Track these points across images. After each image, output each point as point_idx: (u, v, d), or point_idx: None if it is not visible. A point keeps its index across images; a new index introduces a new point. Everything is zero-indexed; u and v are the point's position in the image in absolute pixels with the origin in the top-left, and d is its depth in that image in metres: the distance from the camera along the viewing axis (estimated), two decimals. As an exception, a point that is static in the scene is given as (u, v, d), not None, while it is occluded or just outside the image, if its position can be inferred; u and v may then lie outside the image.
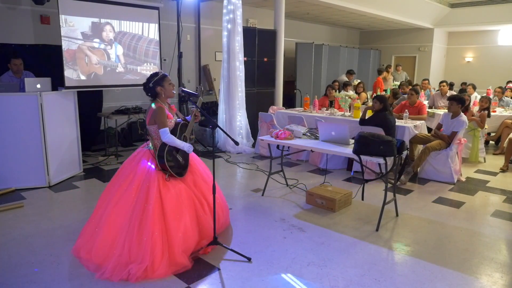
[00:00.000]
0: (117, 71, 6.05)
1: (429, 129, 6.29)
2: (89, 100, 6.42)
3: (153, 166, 3.08)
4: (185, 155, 3.22)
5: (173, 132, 3.14)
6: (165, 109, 3.12)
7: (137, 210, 2.93)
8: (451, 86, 8.38)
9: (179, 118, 3.37)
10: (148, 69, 6.29)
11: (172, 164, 3.08)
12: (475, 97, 8.08)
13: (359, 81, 8.84)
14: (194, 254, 3.10)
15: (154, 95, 3.15)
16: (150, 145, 3.19)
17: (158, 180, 3.02)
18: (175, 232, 2.93)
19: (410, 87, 7.64)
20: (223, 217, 3.53)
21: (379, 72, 10.77)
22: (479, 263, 3.13)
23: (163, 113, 3.08)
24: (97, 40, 5.75)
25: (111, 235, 2.92)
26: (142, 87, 3.22)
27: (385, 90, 10.07)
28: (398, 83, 10.39)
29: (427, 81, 9.91)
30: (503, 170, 5.90)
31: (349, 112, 6.34)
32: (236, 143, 3.19)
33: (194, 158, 3.46)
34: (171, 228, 2.93)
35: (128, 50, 6.12)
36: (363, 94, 8.11)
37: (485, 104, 6.62)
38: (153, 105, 3.10)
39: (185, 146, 3.12)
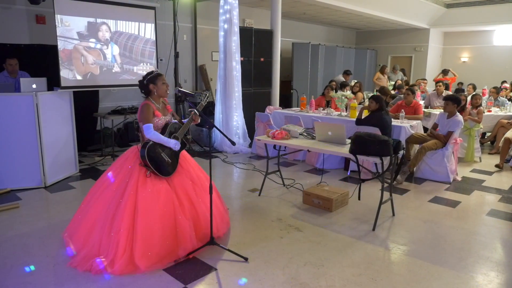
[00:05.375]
0: (113, 71, 6.03)
1: (425, 129, 6.32)
2: (85, 100, 6.40)
3: (138, 162, 3.10)
4: (173, 154, 3.18)
5: (161, 131, 3.15)
6: (151, 106, 3.11)
7: (112, 204, 2.99)
8: (446, 87, 8.43)
9: (174, 119, 3.34)
10: (144, 69, 6.28)
11: (154, 162, 3.04)
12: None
13: (355, 81, 8.87)
14: (168, 259, 2.98)
15: (147, 93, 3.18)
16: (140, 141, 3.20)
17: (138, 176, 3.03)
18: (139, 231, 2.89)
19: (407, 87, 7.68)
20: (219, 223, 3.39)
21: (382, 69, 10.89)
22: (475, 262, 3.14)
23: (148, 110, 3.08)
24: (93, 40, 5.73)
25: (90, 226, 3.03)
26: (138, 85, 3.26)
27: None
28: (393, 82, 10.44)
29: (426, 81, 9.99)
30: (498, 166, 5.95)
31: (346, 112, 6.35)
32: (233, 143, 3.17)
33: (186, 159, 3.40)
34: (138, 227, 2.90)
35: (124, 50, 6.10)
36: (360, 94, 8.14)
37: (479, 101, 6.70)
38: (144, 102, 3.15)
39: (171, 142, 3.10)
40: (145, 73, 3.27)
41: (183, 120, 3.38)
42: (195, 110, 3.21)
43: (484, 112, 6.67)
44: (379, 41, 14.75)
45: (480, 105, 6.68)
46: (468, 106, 6.95)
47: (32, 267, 2.96)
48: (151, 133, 3.03)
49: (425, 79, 10.52)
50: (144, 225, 2.91)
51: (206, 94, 3.40)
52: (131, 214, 2.91)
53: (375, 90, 9.91)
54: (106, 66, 5.94)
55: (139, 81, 3.22)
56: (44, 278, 2.82)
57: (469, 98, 7.78)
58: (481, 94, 7.63)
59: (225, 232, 3.54)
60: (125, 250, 2.85)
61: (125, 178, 3.06)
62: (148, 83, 3.14)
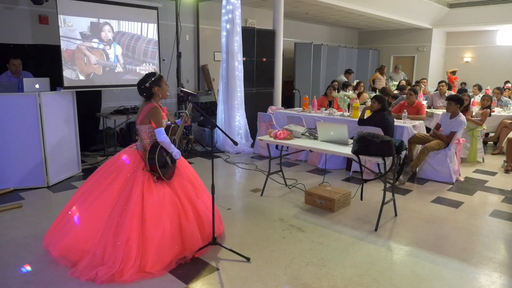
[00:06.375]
0: (116, 71, 6.04)
1: (428, 129, 6.30)
2: (88, 100, 6.41)
3: (140, 167, 3.03)
4: (173, 157, 3.19)
5: None
6: (159, 109, 3.10)
7: (116, 211, 2.88)
8: (449, 87, 8.41)
9: (169, 121, 3.32)
10: (147, 69, 6.29)
11: (162, 166, 3.03)
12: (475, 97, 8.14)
13: (358, 81, 8.84)
14: (176, 262, 2.99)
15: (149, 96, 3.11)
16: (139, 145, 3.12)
17: (142, 182, 2.96)
18: (150, 239, 2.86)
19: (409, 87, 7.67)
20: (208, 226, 3.29)
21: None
22: (477, 263, 3.13)
23: (159, 113, 3.06)
24: (96, 40, 5.74)
25: (85, 233, 2.88)
26: (138, 88, 3.15)
27: (375, 90, 10.10)
28: (396, 83, 10.41)
29: (425, 80, 9.97)
30: (507, 171, 5.82)
31: (348, 112, 6.34)
32: (235, 143, 3.19)
33: (181, 160, 3.38)
34: (148, 234, 2.86)
35: (127, 50, 6.11)
36: (364, 95, 8.11)
37: (487, 103, 6.65)
38: (150, 104, 3.06)
39: (174, 151, 3.10)
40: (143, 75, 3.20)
41: (176, 121, 3.38)
42: (186, 112, 3.23)
43: (490, 115, 6.63)
44: (381, 41, 14.72)
45: (488, 107, 6.64)
46: (472, 107, 6.93)
47: (29, 268, 2.94)
48: (162, 136, 3.00)
49: (425, 79, 10.49)
50: (154, 232, 2.88)
51: (190, 106, 3.30)
52: (139, 222, 2.86)
53: (376, 90, 9.88)
54: (109, 66, 5.95)
55: (139, 84, 3.12)
56: (46, 278, 2.83)
57: (477, 98, 7.78)
58: (491, 95, 7.60)
59: (223, 230, 3.57)
60: (135, 260, 2.80)
61: (128, 183, 2.96)
62: (152, 86, 3.08)
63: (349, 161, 5.67)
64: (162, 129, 3.02)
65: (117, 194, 2.94)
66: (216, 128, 3.15)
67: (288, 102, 10.23)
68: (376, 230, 3.70)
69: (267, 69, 7.94)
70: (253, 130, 7.21)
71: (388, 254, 3.28)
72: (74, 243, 2.88)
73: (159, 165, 3.00)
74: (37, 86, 4.76)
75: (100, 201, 2.94)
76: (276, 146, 4.63)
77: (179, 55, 7.56)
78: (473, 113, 6.58)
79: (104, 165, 3.17)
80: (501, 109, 7.62)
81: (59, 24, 5.30)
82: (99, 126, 6.90)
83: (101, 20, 5.77)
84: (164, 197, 3.02)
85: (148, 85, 3.09)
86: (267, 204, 4.37)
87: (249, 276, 2.88)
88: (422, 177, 5.40)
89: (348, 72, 9.90)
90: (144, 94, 3.12)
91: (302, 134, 4.61)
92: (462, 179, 5.40)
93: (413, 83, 10.38)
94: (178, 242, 3.02)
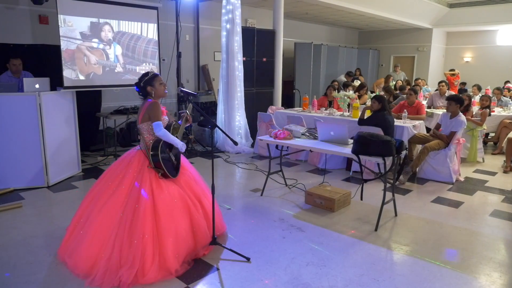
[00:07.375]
0: (116, 71, 6.04)
1: (428, 129, 6.30)
2: (88, 100, 6.41)
3: (145, 165, 3.02)
4: (177, 155, 3.18)
5: None
6: (159, 104, 3.08)
7: (128, 210, 2.86)
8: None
9: (170, 121, 3.31)
10: (147, 69, 6.28)
11: (166, 163, 3.02)
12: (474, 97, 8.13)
13: (361, 83, 8.83)
14: (189, 258, 3.02)
15: (145, 95, 3.12)
16: (142, 145, 3.11)
17: (150, 180, 2.95)
18: (167, 234, 2.85)
19: (409, 87, 7.67)
20: (218, 223, 3.38)
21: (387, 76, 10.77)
22: (477, 263, 3.13)
23: (159, 108, 3.04)
24: (96, 40, 5.74)
25: (98, 238, 2.83)
26: (134, 86, 3.17)
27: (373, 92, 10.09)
28: (394, 82, 10.41)
29: (419, 80, 9.96)
30: (506, 172, 5.81)
31: (348, 112, 6.34)
32: (235, 143, 3.18)
33: (184, 159, 3.39)
34: (163, 230, 2.85)
35: (127, 50, 6.11)
36: (365, 96, 8.11)
37: (486, 103, 6.66)
38: (150, 100, 3.06)
39: (179, 143, 3.08)
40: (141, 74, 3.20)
41: (178, 122, 3.37)
42: (187, 112, 3.22)
43: (489, 115, 6.62)
44: (381, 41, 14.72)
45: (488, 107, 6.65)
46: (472, 107, 6.93)
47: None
48: (161, 130, 2.97)
49: (419, 79, 10.49)
50: (169, 227, 2.88)
51: (190, 106, 3.33)
52: (152, 218, 2.85)
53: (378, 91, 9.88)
54: (109, 66, 5.95)
55: (135, 84, 3.13)
56: (47, 278, 2.83)
57: (477, 98, 7.77)
58: (490, 95, 7.60)
59: (225, 230, 3.57)
60: (153, 255, 2.78)
61: (137, 182, 2.96)
62: (145, 85, 3.08)
63: (349, 161, 5.67)
64: (160, 122, 2.99)
65: (126, 195, 2.92)
66: (216, 128, 3.15)
67: (288, 102, 10.23)
68: (376, 230, 3.70)
69: (267, 69, 7.94)
70: (253, 130, 7.21)
71: (388, 254, 3.28)
72: (87, 250, 2.82)
73: (162, 162, 2.99)
74: (37, 86, 4.76)
75: (110, 204, 2.91)
76: (276, 146, 4.63)
77: (179, 55, 7.55)
78: (473, 113, 6.58)
79: (110, 168, 3.15)
80: (501, 109, 7.62)
81: (59, 24, 5.30)
82: (99, 126, 6.90)
83: (101, 20, 5.76)
84: (174, 193, 3.03)
85: (142, 85, 3.09)
86: (267, 204, 4.37)
87: (249, 276, 2.88)
88: (422, 177, 5.40)
89: (348, 74, 9.91)
90: (140, 93, 3.14)
91: (302, 134, 4.61)
92: (462, 179, 5.40)
93: (413, 83, 10.38)
94: (192, 239, 3.04)
